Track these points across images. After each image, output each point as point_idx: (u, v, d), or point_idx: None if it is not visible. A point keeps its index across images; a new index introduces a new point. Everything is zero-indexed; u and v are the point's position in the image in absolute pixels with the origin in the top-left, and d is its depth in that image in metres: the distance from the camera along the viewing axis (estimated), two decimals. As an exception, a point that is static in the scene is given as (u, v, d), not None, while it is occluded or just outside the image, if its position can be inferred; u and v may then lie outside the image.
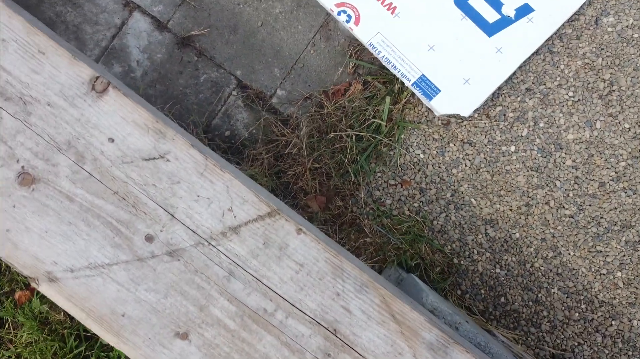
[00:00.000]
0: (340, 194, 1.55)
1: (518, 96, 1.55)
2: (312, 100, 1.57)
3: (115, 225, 0.99)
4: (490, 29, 1.50)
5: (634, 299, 1.51)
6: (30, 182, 0.98)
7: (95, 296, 0.98)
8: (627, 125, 1.52)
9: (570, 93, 1.54)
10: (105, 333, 0.98)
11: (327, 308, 1.00)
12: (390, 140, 1.54)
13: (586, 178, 1.52)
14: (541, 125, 1.54)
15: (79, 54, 1.03)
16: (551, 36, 1.53)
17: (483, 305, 1.53)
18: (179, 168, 1.00)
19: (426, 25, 1.50)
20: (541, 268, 1.53)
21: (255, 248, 1.00)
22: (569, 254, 1.52)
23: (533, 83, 1.54)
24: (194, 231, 1.00)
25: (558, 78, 1.54)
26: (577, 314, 1.52)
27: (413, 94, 1.54)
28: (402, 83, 1.53)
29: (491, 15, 1.49)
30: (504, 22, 1.50)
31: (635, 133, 1.52)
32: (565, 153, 1.53)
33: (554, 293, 1.52)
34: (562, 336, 1.52)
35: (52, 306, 1.42)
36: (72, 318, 1.41)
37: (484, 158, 1.54)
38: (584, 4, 1.53)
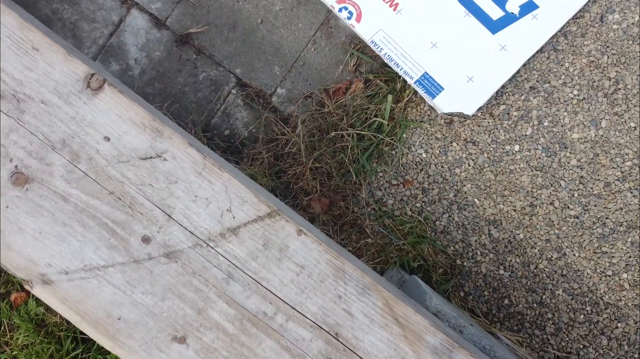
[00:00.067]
0: (342, 194, 1.53)
1: (522, 94, 1.52)
2: (312, 99, 1.55)
3: (110, 225, 0.96)
4: (494, 26, 1.48)
5: (640, 301, 1.49)
6: (23, 182, 0.96)
7: (91, 299, 0.96)
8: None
9: (575, 92, 1.52)
10: (101, 337, 0.96)
11: (329, 311, 0.98)
12: (392, 139, 1.52)
13: (591, 178, 1.51)
14: (545, 124, 1.52)
15: (74, 51, 1.01)
16: (556, 34, 1.51)
17: (486, 307, 1.51)
18: (176, 168, 0.98)
19: (429, 22, 1.48)
20: (546, 269, 1.51)
21: (254, 249, 0.98)
22: (574, 255, 1.50)
23: (537, 81, 1.52)
24: (191, 233, 0.97)
25: (563, 77, 1.52)
26: (582, 316, 1.50)
27: (415, 92, 1.52)
28: (404, 81, 1.51)
29: (495, 12, 1.47)
30: (508, 19, 1.48)
31: (641, 132, 1.50)
32: (570, 153, 1.51)
33: (558, 294, 1.50)
34: (567, 339, 1.50)
35: (49, 308, 1.40)
36: (68, 321, 1.39)
37: (488, 157, 1.52)
38: (589, 1, 1.51)
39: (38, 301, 1.40)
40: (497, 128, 1.53)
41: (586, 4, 1.51)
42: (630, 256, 1.50)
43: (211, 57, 1.55)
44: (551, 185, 1.51)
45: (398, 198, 1.54)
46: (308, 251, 0.99)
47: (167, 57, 1.54)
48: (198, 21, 1.54)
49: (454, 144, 1.54)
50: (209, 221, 0.98)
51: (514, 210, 1.52)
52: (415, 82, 1.49)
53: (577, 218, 1.51)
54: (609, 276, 1.50)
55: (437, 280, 1.49)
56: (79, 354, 1.39)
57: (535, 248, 1.52)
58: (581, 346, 1.50)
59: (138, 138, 0.97)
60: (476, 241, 1.52)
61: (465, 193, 1.53)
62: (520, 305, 1.51)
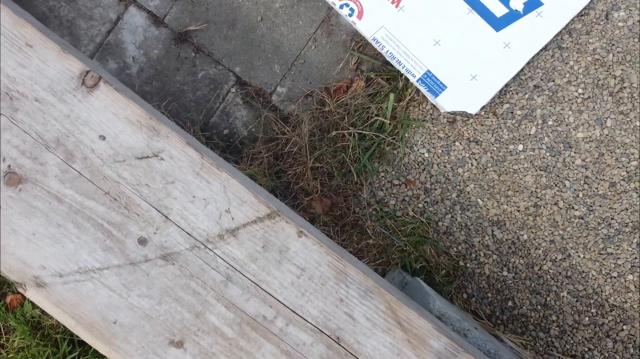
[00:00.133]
0: (343, 194, 1.51)
1: (526, 93, 1.50)
2: (313, 98, 1.53)
3: (106, 227, 0.94)
4: (497, 23, 1.45)
5: (647, 303, 1.47)
6: (17, 182, 0.94)
7: (86, 302, 0.94)
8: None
9: (580, 90, 1.49)
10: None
11: (330, 314, 0.95)
12: (394, 138, 1.50)
13: (596, 178, 1.49)
14: (550, 123, 1.50)
15: (68, 47, 0.99)
16: (560, 31, 1.49)
17: (490, 309, 1.49)
18: (173, 167, 0.95)
19: (432, 19, 1.46)
20: (550, 270, 1.49)
21: (254, 251, 0.96)
22: (579, 256, 1.49)
23: (541, 79, 1.50)
24: (189, 234, 0.95)
25: (567, 75, 1.50)
26: (587, 318, 1.48)
27: (417, 91, 1.50)
28: (407, 79, 1.49)
29: (499, 9, 1.45)
30: (512, 16, 1.45)
31: (647, 131, 1.48)
32: (575, 152, 1.49)
33: (563, 296, 1.48)
34: (572, 341, 1.48)
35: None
36: (64, 323, 1.38)
37: (491, 157, 1.50)
38: (595, -2, 1.49)
39: (34, 304, 1.38)
40: (500, 128, 1.51)
41: (591, 1, 1.49)
42: (635, 258, 1.48)
43: (210, 55, 1.52)
44: (555, 185, 1.49)
45: (400, 199, 1.52)
46: (309, 253, 0.97)
47: (166, 55, 1.52)
48: (197, 19, 1.52)
49: (457, 143, 1.52)
50: (207, 223, 0.96)
51: (518, 211, 1.50)
52: (417, 81, 1.47)
53: (582, 218, 1.49)
54: (615, 277, 1.48)
55: (439, 282, 1.47)
56: (75, 357, 1.38)
57: (539, 249, 1.50)
58: (586, 349, 1.48)
59: (134, 137, 0.95)
60: (479, 242, 1.50)
61: (468, 193, 1.51)
62: (524, 307, 1.49)
